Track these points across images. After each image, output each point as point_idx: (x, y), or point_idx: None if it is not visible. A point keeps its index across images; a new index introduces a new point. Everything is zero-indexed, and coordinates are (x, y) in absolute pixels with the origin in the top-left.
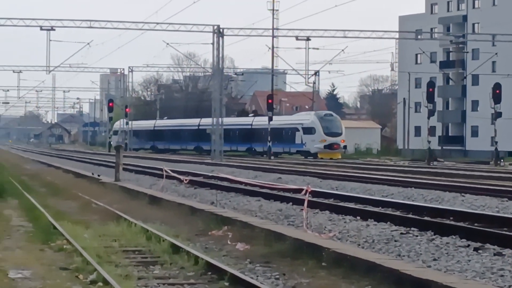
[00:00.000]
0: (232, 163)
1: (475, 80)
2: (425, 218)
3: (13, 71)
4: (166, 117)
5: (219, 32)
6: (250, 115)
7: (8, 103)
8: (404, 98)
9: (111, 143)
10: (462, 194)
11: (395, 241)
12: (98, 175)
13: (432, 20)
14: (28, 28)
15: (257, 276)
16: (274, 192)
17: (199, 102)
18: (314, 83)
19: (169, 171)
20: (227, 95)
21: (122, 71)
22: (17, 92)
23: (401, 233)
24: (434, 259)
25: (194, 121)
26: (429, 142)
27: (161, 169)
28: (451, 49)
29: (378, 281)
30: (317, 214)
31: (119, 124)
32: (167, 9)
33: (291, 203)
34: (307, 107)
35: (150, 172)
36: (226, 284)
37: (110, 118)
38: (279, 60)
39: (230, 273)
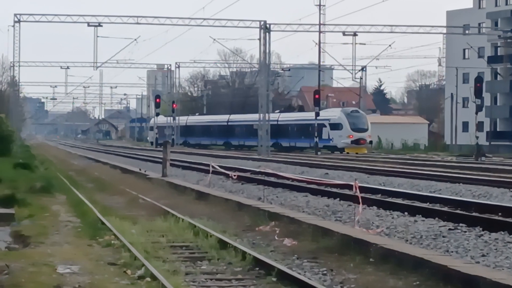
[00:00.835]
0: (279, 159)
1: None
2: (474, 214)
3: (61, 67)
4: (197, 113)
5: (265, 28)
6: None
7: (56, 99)
8: (451, 94)
9: (148, 138)
10: (511, 189)
11: (443, 237)
12: (145, 171)
13: (480, 14)
14: (75, 24)
15: (305, 272)
16: (321, 187)
17: (246, 98)
18: (361, 78)
19: (217, 167)
20: (274, 90)
21: (169, 67)
22: (64, 88)
23: (449, 229)
24: (483, 255)
25: (224, 117)
26: (477, 137)
27: (208, 165)
28: (499, 44)
29: (426, 277)
30: (365, 209)
31: (154, 120)
32: (214, 5)
33: (338, 199)
34: (354, 102)
35: (197, 168)
36: (274, 279)
37: (157, 114)
38: (326, 56)
39: (278, 269)
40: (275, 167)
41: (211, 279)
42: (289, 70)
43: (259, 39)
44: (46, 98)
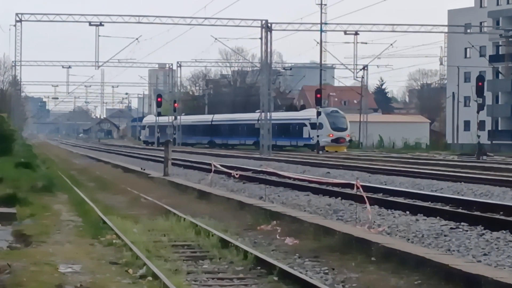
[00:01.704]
0: (280, 158)
1: None
2: (475, 212)
3: (62, 67)
4: (183, 113)
5: (267, 27)
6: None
7: (58, 98)
8: (453, 92)
9: (140, 137)
10: None
11: (445, 236)
12: (143, 169)
13: (482, 13)
14: (77, 24)
15: (306, 271)
16: (323, 186)
17: (247, 97)
18: (362, 77)
19: (218, 166)
20: (275, 89)
21: (171, 66)
22: (66, 88)
23: (451, 228)
24: (484, 254)
25: (208, 117)
26: (478, 136)
27: (209, 164)
28: (500, 43)
29: (428, 276)
30: (366, 208)
31: (148, 119)
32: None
33: (340, 198)
34: (355, 101)
35: (199, 167)
36: (275, 278)
37: (159, 113)
38: (328, 55)
39: (279, 268)
40: (276, 166)
41: (212, 278)
42: (290, 69)
43: (261, 38)
44: (48, 97)
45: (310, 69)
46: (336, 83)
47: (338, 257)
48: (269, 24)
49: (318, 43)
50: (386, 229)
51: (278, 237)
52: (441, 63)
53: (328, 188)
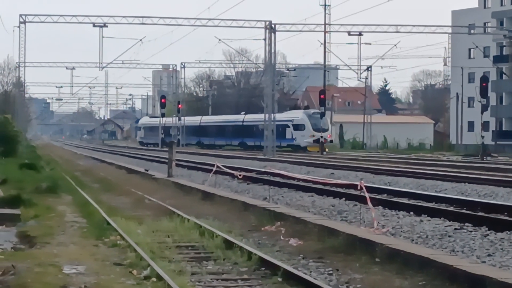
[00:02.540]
0: (284, 159)
1: None
2: (479, 213)
3: (66, 68)
4: (174, 115)
5: (271, 28)
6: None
7: (62, 99)
8: (457, 93)
9: (136, 138)
10: None
11: (449, 236)
12: (147, 170)
13: (485, 14)
14: (81, 25)
15: (311, 272)
16: (327, 187)
17: (251, 98)
18: (366, 78)
19: (222, 167)
20: (279, 90)
21: (175, 67)
22: (70, 89)
23: (455, 229)
24: (489, 255)
25: (196, 119)
26: (482, 137)
27: (213, 165)
28: (504, 44)
29: (432, 276)
30: (370, 209)
31: (143, 121)
32: (219, 5)
33: (344, 199)
34: (359, 102)
35: (203, 168)
36: (280, 279)
37: (163, 114)
38: (331, 56)
39: (284, 269)
40: (280, 167)
41: (217, 279)
42: (294, 70)
43: (265, 39)
44: (52, 98)
45: (314, 70)
46: (340, 84)
47: (342, 258)
48: (273, 25)
49: (322, 44)
50: (391, 230)
51: (282, 238)
52: (445, 64)
53: (332, 189)
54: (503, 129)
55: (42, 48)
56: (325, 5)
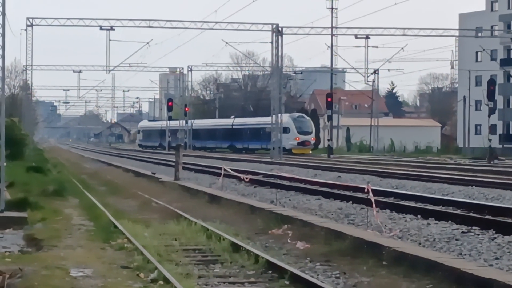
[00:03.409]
0: (291, 162)
1: None
2: (487, 216)
3: (73, 71)
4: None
5: (278, 31)
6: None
7: (69, 102)
8: (464, 96)
9: (136, 141)
10: None
11: (456, 240)
12: (154, 173)
13: (493, 17)
14: (88, 28)
15: (318, 275)
16: (334, 190)
17: (258, 101)
18: (373, 81)
19: (229, 170)
20: (286, 94)
21: (181, 70)
22: (77, 92)
23: (462, 232)
24: (496, 258)
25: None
26: (489, 140)
27: (220, 168)
28: (511, 47)
29: (439, 280)
30: (377, 212)
31: (142, 124)
32: (226, 8)
33: (351, 202)
34: (366, 105)
35: (209, 171)
36: (287, 282)
37: (170, 117)
38: (338, 59)
39: (291, 272)
40: (287, 170)
41: (224, 283)
42: (301, 73)
43: (271, 42)
44: (59, 101)
45: (320, 73)
46: (347, 87)
47: (349, 261)
48: (279, 28)
49: (329, 47)
50: (398, 233)
51: (289, 241)
52: (452, 67)
53: (339, 192)
54: (510, 132)
55: (49, 51)
56: (332, 8)
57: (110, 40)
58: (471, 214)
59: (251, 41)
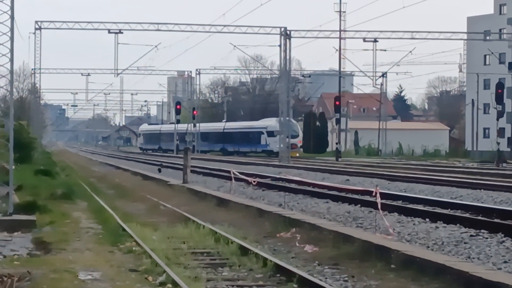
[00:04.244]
0: (299, 165)
1: None
2: (495, 220)
3: (82, 74)
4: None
5: (286, 34)
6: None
7: (77, 105)
8: (472, 100)
9: (137, 144)
10: None
11: (465, 243)
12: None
13: (501, 20)
14: (96, 31)
15: (326, 278)
16: (342, 194)
17: (266, 104)
18: (381, 84)
19: (237, 173)
20: (294, 97)
21: (190, 74)
22: (85, 95)
23: (471, 235)
24: (505, 262)
25: (183, 126)
26: (498, 143)
27: (228, 171)
28: None
29: (448, 283)
30: (386, 216)
31: (143, 128)
32: (234, 11)
33: (359, 205)
34: (374, 108)
35: (218, 174)
36: (295, 286)
37: (178, 121)
38: (347, 62)
39: (299, 275)
40: (295, 173)
41: (232, 286)
42: (309, 76)
43: (280, 46)
44: (67, 105)
45: (329, 76)
46: (355, 91)
47: (357, 265)
48: (288, 32)
49: (337, 50)
50: (406, 237)
51: (297, 244)
52: (460, 70)
53: (347, 195)
54: None
55: (57, 54)
56: (340, 11)
57: (118, 43)
58: (480, 218)
59: (259, 44)
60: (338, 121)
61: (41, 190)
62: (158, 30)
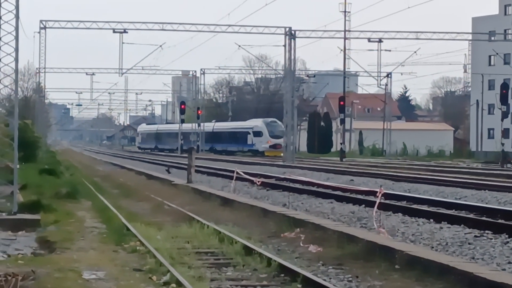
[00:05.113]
0: (303, 165)
1: None
2: (499, 220)
3: (86, 74)
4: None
5: (291, 34)
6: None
7: (81, 105)
8: (477, 100)
9: (136, 144)
10: None
11: (469, 244)
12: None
13: (506, 21)
14: (101, 31)
15: (330, 278)
16: (347, 194)
17: (271, 104)
18: (386, 85)
19: (241, 173)
20: (299, 97)
21: (194, 73)
22: (90, 94)
23: (475, 236)
24: (509, 262)
25: (175, 126)
26: (502, 144)
27: (232, 171)
28: None
29: (452, 284)
30: (390, 216)
31: (141, 128)
32: (239, 11)
33: (363, 205)
34: (379, 109)
35: (222, 174)
36: (299, 286)
37: (182, 120)
38: (351, 62)
39: (303, 275)
40: (299, 173)
41: (236, 286)
42: (314, 76)
43: (284, 46)
44: (72, 104)
45: (333, 76)
46: (360, 91)
47: (361, 265)
48: (292, 32)
49: (341, 50)
50: (410, 237)
51: (301, 244)
52: (465, 71)
53: (351, 195)
54: None
55: (62, 54)
56: (345, 11)
57: (123, 43)
58: (484, 218)
59: (264, 44)
60: (342, 121)
61: (46, 189)
62: (162, 29)
